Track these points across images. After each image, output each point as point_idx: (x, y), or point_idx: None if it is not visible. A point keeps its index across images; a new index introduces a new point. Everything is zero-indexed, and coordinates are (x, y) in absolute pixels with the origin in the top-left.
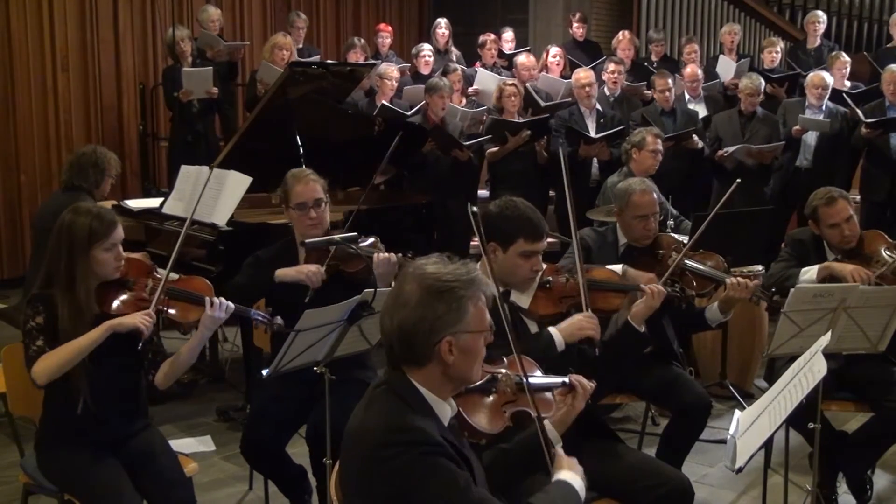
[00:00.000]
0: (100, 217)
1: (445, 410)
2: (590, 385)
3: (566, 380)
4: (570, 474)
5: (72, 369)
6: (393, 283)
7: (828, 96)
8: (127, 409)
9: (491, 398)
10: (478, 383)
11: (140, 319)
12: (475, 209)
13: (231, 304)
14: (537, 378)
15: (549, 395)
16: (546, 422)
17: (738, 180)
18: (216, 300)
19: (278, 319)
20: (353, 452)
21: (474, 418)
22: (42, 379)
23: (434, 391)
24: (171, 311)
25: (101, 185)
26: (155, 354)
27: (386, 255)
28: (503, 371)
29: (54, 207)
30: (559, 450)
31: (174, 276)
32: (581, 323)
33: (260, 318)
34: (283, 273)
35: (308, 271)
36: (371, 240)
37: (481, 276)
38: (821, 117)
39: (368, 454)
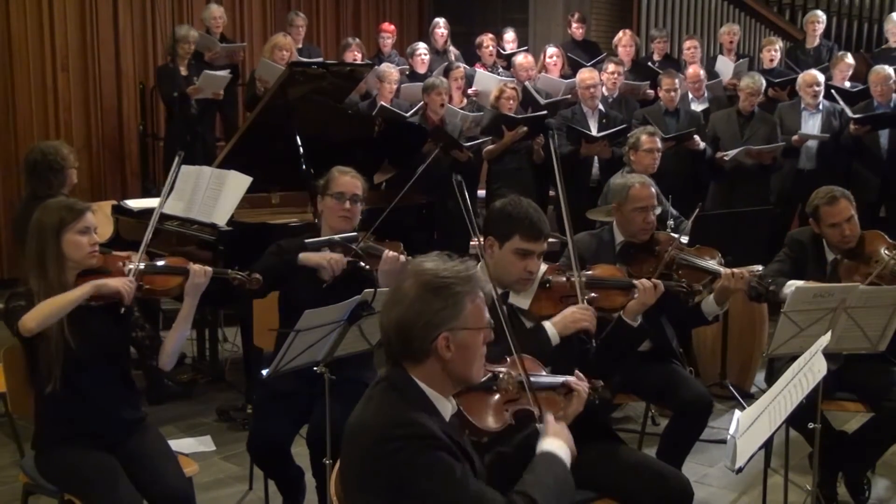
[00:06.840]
0: (69, 206)
1: (446, 407)
2: (589, 386)
3: (565, 380)
4: (556, 442)
5: (44, 352)
6: None
7: (822, 94)
8: (119, 398)
9: (493, 396)
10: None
11: (123, 284)
12: (459, 178)
13: (209, 268)
14: (539, 378)
15: (552, 394)
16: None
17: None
18: (196, 266)
19: (256, 274)
20: (352, 448)
21: (475, 416)
22: (30, 324)
23: (435, 387)
24: (153, 285)
25: (66, 181)
26: (152, 340)
27: (394, 254)
28: (504, 370)
29: (29, 218)
30: (549, 416)
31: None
32: (575, 315)
33: (237, 275)
34: (307, 257)
35: (331, 258)
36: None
37: (479, 273)
38: (818, 116)
39: (368, 449)
